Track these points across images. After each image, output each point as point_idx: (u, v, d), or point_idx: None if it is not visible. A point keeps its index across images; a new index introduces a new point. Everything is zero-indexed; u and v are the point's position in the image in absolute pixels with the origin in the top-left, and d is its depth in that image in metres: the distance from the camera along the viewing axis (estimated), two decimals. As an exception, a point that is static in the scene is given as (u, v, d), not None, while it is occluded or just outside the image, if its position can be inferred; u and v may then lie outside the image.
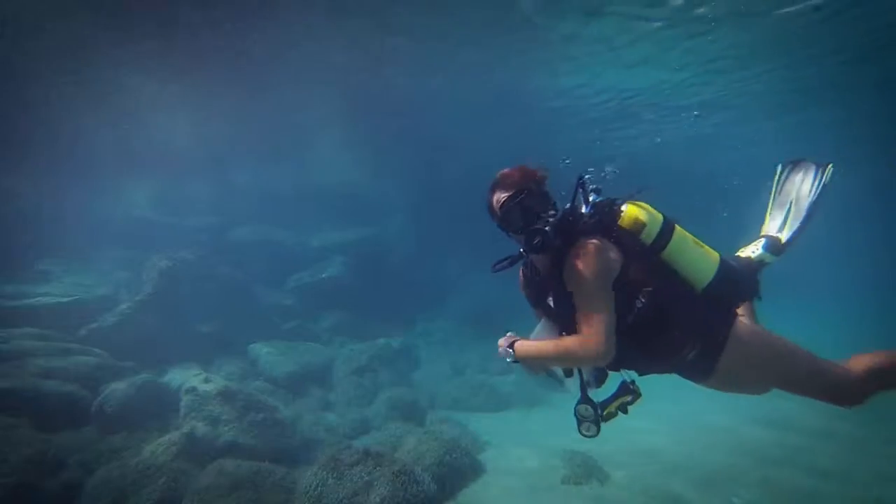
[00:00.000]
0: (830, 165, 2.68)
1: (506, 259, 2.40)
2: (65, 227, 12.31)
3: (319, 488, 5.02)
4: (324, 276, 13.72)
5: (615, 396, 2.33)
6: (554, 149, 15.62)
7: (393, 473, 5.10)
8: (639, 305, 2.16)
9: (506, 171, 2.26)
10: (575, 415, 2.33)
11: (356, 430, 7.89)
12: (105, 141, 12.56)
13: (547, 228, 2.10)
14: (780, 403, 7.79)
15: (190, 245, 11.60)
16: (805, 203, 2.71)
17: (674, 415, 7.56)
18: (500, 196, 2.21)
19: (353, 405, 8.81)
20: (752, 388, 2.43)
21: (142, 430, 6.54)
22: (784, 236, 2.76)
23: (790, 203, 2.77)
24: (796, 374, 2.30)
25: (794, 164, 2.83)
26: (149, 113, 11.11)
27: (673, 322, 2.18)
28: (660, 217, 2.22)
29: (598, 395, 2.36)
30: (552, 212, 2.17)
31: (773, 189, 2.85)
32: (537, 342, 2.25)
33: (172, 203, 15.39)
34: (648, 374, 2.38)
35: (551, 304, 2.28)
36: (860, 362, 2.30)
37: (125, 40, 7.40)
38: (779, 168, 2.85)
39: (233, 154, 14.61)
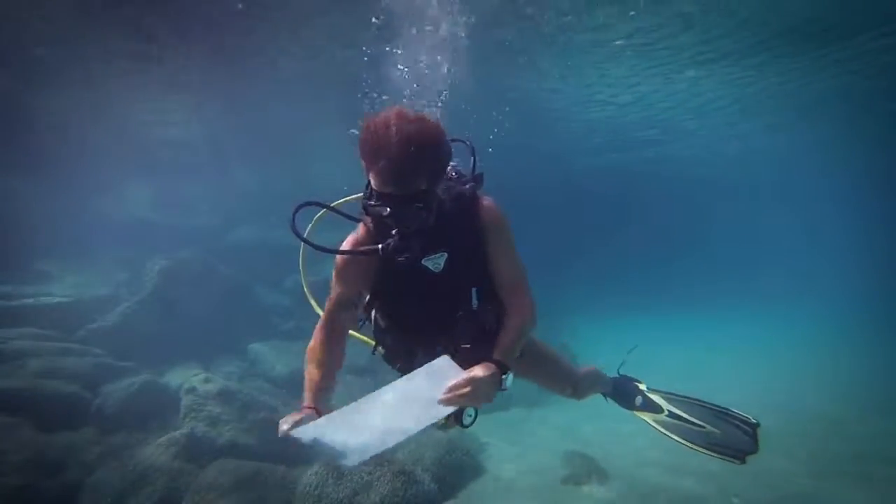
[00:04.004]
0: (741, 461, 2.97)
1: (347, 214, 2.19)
2: (65, 227, 12.30)
3: (319, 488, 5.03)
4: (324, 276, 13.67)
5: None
6: (558, 143, 15.56)
7: (393, 473, 5.12)
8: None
9: (427, 124, 1.71)
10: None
11: (356, 430, 7.87)
12: (105, 140, 12.56)
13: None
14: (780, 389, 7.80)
15: (190, 245, 11.59)
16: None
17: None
18: (436, 159, 1.78)
19: (353, 405, 8.79)
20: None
21: (141, 431, 6.54)
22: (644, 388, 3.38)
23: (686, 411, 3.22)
24: (549, 372, 2.73)
25: (748, 431, 3.04)
26: (150, 113, 11.11)
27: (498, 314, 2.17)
28: None
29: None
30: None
31: (721, 410, 3.14)
32: (505, 341, 1.98)
33: (173, 203, 15.38)
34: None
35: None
36: (583, 370, 2.98)
37: (129, 43, 7.40)
38: (752, 421, 3.06)
39: (233, 154, 14.59)
